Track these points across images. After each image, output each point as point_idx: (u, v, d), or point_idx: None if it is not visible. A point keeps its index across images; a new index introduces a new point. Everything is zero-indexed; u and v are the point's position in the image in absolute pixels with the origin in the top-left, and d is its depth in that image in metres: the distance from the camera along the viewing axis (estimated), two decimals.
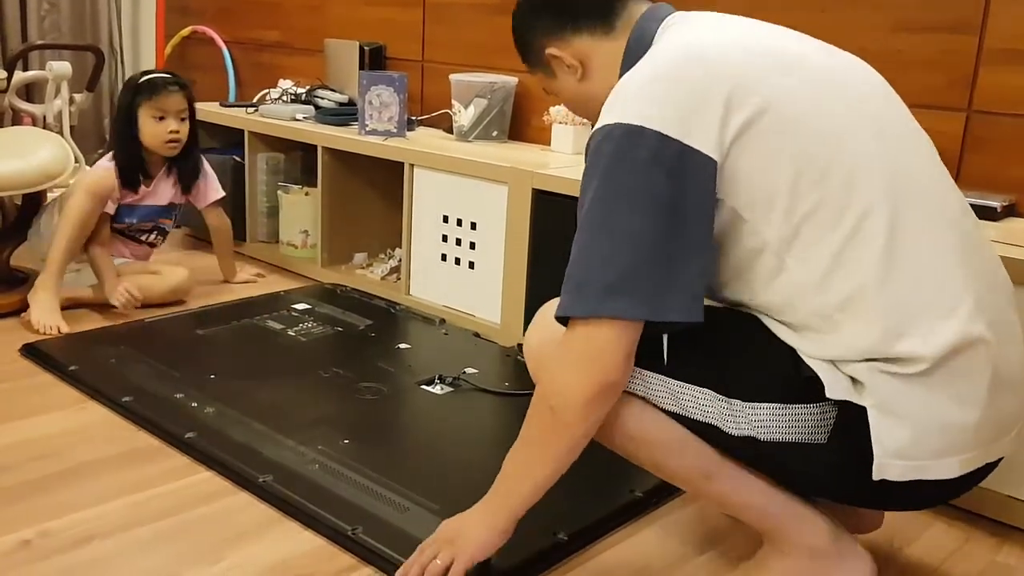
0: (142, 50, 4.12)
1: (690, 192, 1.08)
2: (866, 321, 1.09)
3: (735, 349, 1.18)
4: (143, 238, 2.51)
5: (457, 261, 2.39)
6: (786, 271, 1.12)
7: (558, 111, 2.47)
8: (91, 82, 3.13)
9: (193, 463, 1.62)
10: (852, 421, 1.10)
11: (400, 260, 2.61)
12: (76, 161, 2.86)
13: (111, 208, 2.38)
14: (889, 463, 1.09)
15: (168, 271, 2.47)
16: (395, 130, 2.63)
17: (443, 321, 2.38)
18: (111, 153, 2.42)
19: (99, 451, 1.65)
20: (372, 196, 2.81)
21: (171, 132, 2.37)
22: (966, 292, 1.10)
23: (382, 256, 2.83)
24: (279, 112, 2.90)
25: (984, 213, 1.77)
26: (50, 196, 2.59)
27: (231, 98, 3.61)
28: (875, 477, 1.09)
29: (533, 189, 2.15)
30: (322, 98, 2.94)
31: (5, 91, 2.89)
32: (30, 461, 1.60)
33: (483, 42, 2.79)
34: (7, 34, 3.64)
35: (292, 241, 2.89)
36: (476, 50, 2.80)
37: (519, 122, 2.69)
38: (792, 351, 1.14)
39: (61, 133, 3.00)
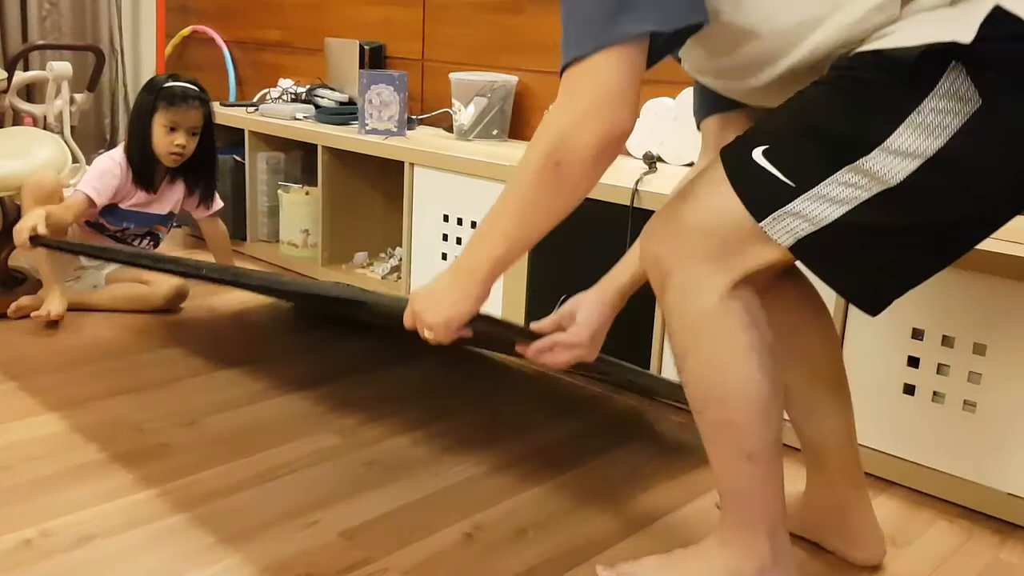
0: (143, 50, 4.12)
1: None
2: None
3: (819, 114, 1.08)
4: (136, 243, 2.51)
5: None
6: None
7: None
8: (92, 82, 3.13)
9: (194, 462, 1.62)
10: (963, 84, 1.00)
11: (401, 259, 2.61)
12: (75, 161, 2.86)
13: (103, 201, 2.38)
14: None
15: (159, 280, 2.42)
16: (395, 129, 2.63)
17: None
18: (112, 153, 2.42)
19: (99, 450, 1.65)
20: (372, 195, 2.81)
21: (177, 145, 2.35)
22: None
23: (383, 255, 2.83)
24: (279, 111, 2.90)
25: None
26: None
27: (231, 97, 3.61)
28: None
29: None
30: (322, 97, 2.94)
31: (6, 91, 2.89)
32: (30, 460, 1.60)
33: (483, 41, 2.78)
34: (7, 34, 3.64)
35: (292, 240, 2.89)
36: (476, 49, 2.80)
37: (519, 121, 2.69)
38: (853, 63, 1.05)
39: (62, 133, 3.00)
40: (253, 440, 1.72)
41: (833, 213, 1.06)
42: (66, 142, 2.90)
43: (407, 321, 1.26)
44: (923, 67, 1.01)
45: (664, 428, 1.87)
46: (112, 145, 3.94)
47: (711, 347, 1.14)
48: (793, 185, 1.08)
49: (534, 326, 1.39)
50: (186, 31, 3.76)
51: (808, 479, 1.42)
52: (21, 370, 1.99)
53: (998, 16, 0.98)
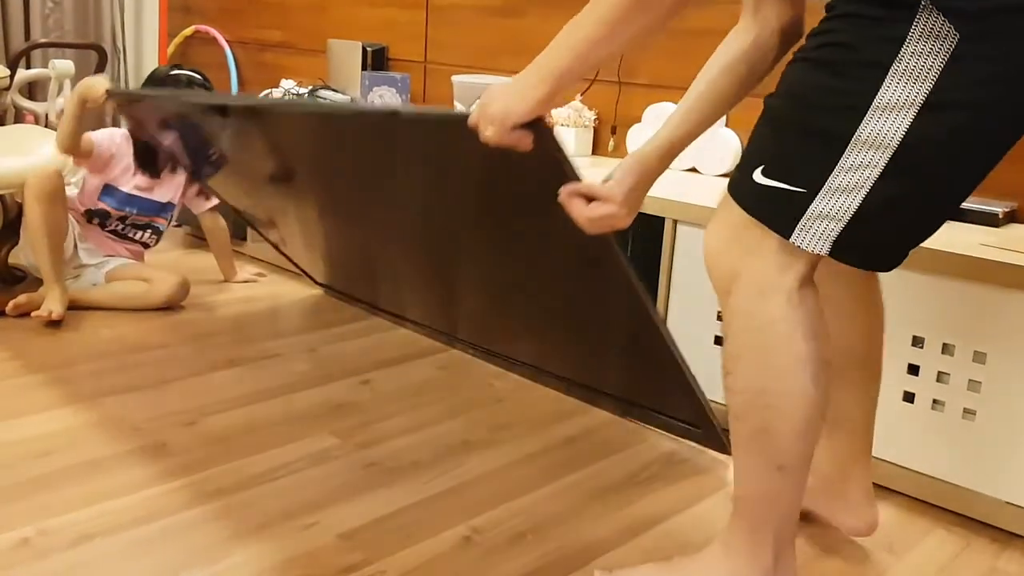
0: (145, 49, 4.12)
1: None
2: None
3: (805, 103, 1.08)
4: (136, 236, 2.51)
5: None
6: None
7: (560, 113, 2.46)
8: None
9: (193, 462, 1.62)
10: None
11: None
12: None
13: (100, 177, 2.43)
14: None
15: (160, 278, 2.44)
16: None
17: None
18: (103, 132, 2.46)
19: (99, 449, 1.65)
20: None
21: None
22: None
23: None
24: None
25: (986, 219, 1.77)
26: None
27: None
28: None
29: None
30: (324, 98, 2.94)
31: (8, 89, 2.90)
32: (29, 459, 1.60)
33: (485, 44, 2.78)
34: (10, 32, 3.64)
35: None
36: (478, 52, 2.80)
37: None
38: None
39: None
40: (252, 441, 1.72)
41: (853, 202, 1.05)
42: None
43: (472, 118, 1.24)
44: (896, 12, 1.00)
45: (661, 435, 1.87)
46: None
47: (769, 352, 1.13)
48: (804, 190, 1.07)
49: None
50: (188, 31, 3.77)
51: None
52: (20, 368, 1.99)
53: None
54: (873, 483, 1.60)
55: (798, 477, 1.18)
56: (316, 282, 2.69)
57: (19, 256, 2.50)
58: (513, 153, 1.23)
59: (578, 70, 1.17)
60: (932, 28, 0.99)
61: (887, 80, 1.01)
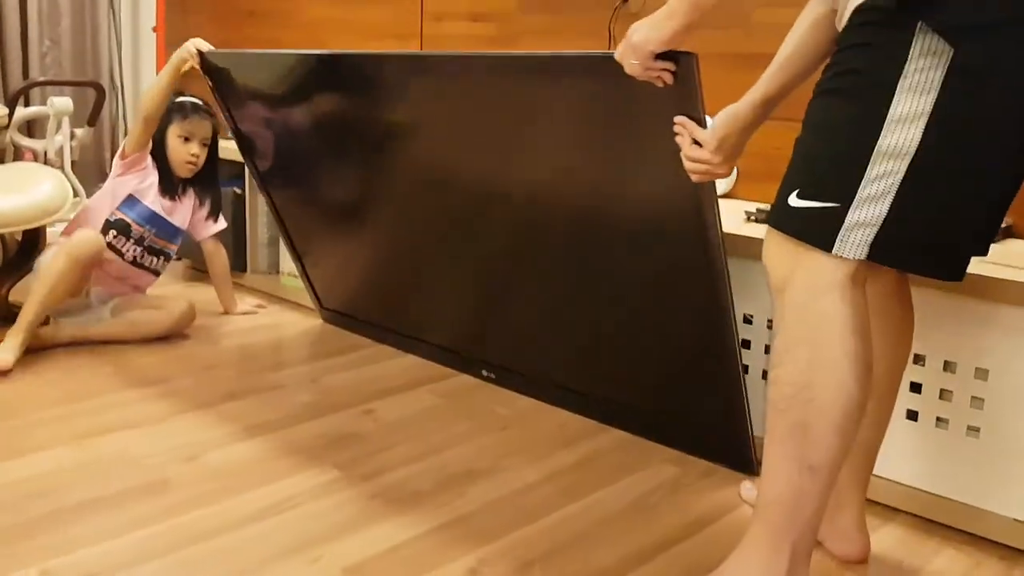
0: (143, 85, 4.14)
1: None
2: None
3: (829, 125, 1.19)
4: (150, 264, 2.51)
5: None
6: None
7: None
8: (92, 117, 3.16)
9: (195, 498, 1.61)
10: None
11: None
12: (76, 195, 2.88)
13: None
14: None
15: (171, 304, 2.48)
16: None
17: None
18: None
19: (102, 487, 1.64)
20: None
21: (192, 155, 2.49)
22: None
23: None
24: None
25: None
26: (51, 231, 2.60)
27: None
28: None
29: None
30: None
31: (6, 127, 2.91)
32: (33, 498, 1.59)
33: None
34: (9, 71, 3.67)
35: (293, 271, 2.89)
36: None
37: None
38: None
39: (62, 168, 3.02)
40: (254, 474, 1.71)
41: (884, 207, 1.14)
42: (66, 176, 2.91)
43: (617, 52, 1.39)
44: (895, 36, 1.12)
45: (666, 460, 1.86)
46: None
47: (819, 345, 1.19)
48: (837, 204, 1.16)
49: None
50: (186, 67, 3.78)
51: None
52: (21, 407, 1.99)
53: None
54: (880, 503, 1.60)
55: (825, 482, 1.21)
56: (322, 307, 2.69)
57: (20, 294, 2.50)
58: (647, 106, 1.44)
59: (702, 5, 1.29)
60: (929, 46, 1.10)
61: (896, 96, 1.12)
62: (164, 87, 2.42)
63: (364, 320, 2.56)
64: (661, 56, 1.37)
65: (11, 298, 2.49)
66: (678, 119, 1.45)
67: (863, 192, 1.15)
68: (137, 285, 2.54)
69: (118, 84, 4.01)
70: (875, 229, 1.15)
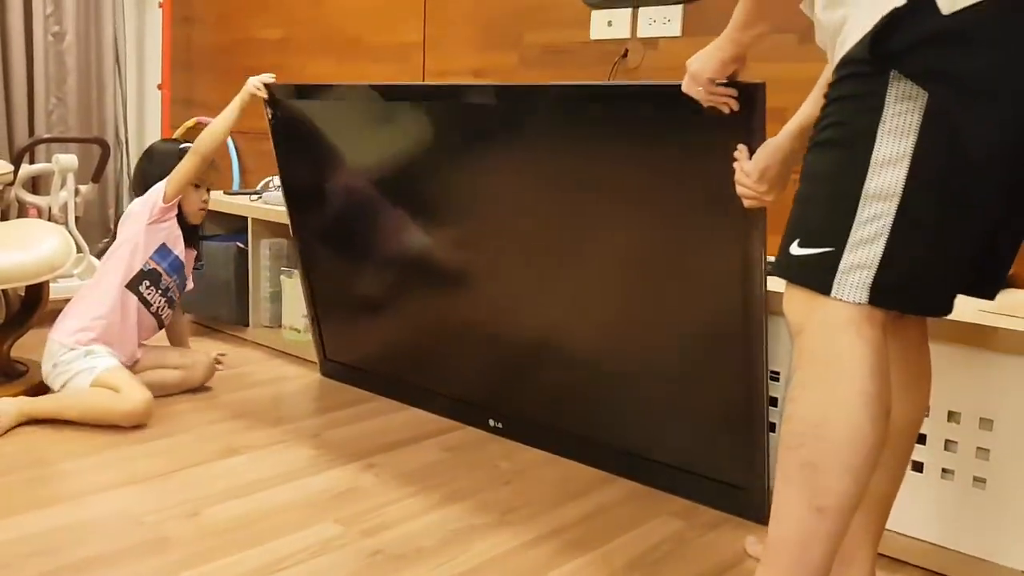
0: (147, 141, 4.19)
1: None
2: None
3: (819, 177, 1.23)
4: (165, 316, 2.47)
5: None
6: None
7: None
8: (97, 173, 3.19)
9: (195, 556, 1.59)
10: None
11: None
12: (79, 251, 2.89)
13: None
14: None
15: (189, 361, 2.47)
16: None
17: None
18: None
19: (101, 546, 1.62)
20: None
21: (204, 201, 2.49)
22: None
23: None
24: (282, 199, 2.93)
25: None
26: (54, 287, 2.60)
27: (235, 186, 3.66)
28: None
29: None
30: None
31: (12, 184, 2.94)
32: (33, 557, 1.57)
33: None
34: (15, 128, 3.72)
35: (295, 325, 2.90)
36: None
37: None
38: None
39: (66, 224, 3.04)
40: (255, 531, 1.69)
41: (878, 248, 1.17)
42: (70, 232, 2.94)
43: (683, 84, 1.53)
44: (873, 86, 1.16)
45: (672, 512, 1.85)
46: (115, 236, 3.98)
47: (834, 384, 1.19)
48: (833, 248, 1.19)
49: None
50: (191, 122, 3.84)
51: None
52: (20, 463, 1.97)
53: (890, 19, 1.13)
54: (886, 555, 1.57)
55: (834, 525, 1.18)
56: (326, 359, 2.68)
57: (22, 348, 2.50)
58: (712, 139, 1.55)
59: (750, 24, 1.39)
60: (904, 91, 1.14)
61: (878, 140, 1.16)
62: (229, 126, 2.39)
63: (370, 371, 2.56)
64: (727, 84, 1.49)
65: (13, 354, 2.50)
66: (739, 147, 1.54)
67: (855, 235, 1.17)
68: (145, 338, 2.51)
69: (123, 140, 4.06)
70: (872, 271, 1.17)
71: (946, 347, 1.57)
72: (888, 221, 1.16)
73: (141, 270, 2.37)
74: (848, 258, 1.18)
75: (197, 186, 2.46)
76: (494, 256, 2.14)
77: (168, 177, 2.40)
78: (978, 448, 1.56)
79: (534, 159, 1.96)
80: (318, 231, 2.56)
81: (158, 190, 2.39)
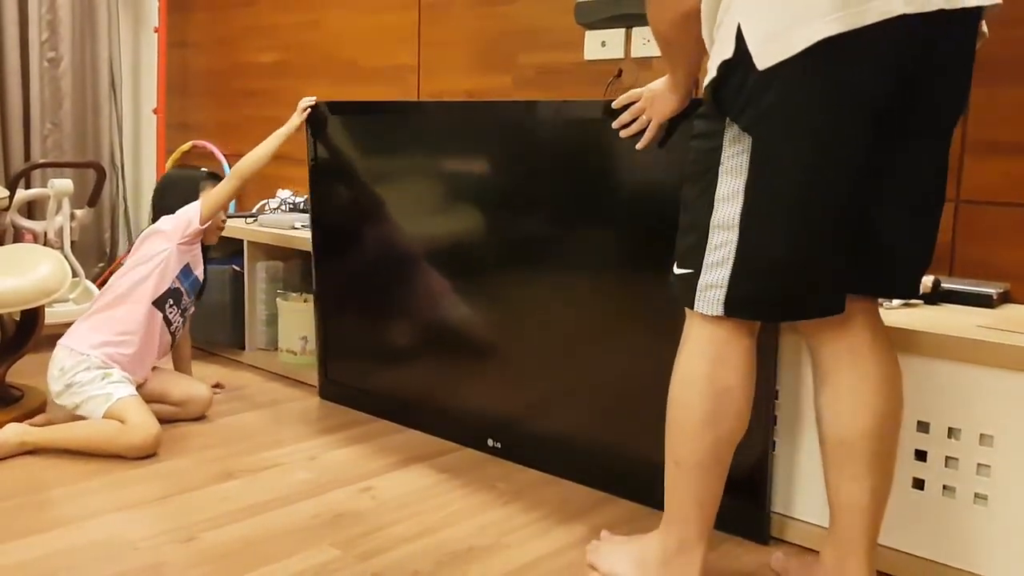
0: (143, 165, 4.20)
1: None
2: None
3: (687, 206, 1.43)
4: (176, 328, 2.46)
5: None
6: None
7: None
8: (92, 198, 3.19)
9: None
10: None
11: None
12: (75, 276, 2.89)
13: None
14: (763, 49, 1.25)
15: (187, 395, 2.43)
16: None
17: None
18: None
19: (97, 571, 1.61)
20: None
21: (223, 220, 2.50)
22: None
23: None
24: (278, 221, 2.94)
25: (981, 301, 1.78)
26: (49, 311, 2.60)
27: (231, 209, 3.66)
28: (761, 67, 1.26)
29: None
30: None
31: (7, 209, 2.94)
32: None
33: None
34: (11, 153, 3.72)
35: (291, 348, 2.89)
36: None
37: None
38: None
39: (61, 249, 3.03)
40: (250, 556, 1.68)
41: (726, 271, 1.36)
42: (66, 257, 2.93)
43: (640, 104, 1.75)
44: (714, 128, 1.35)
45: None
46: (112, 259, 3.99)
47: (677, 367, 1.47)
48: (692, 270, 1.40)
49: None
50: (186, 146, 3.85)
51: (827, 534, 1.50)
52: (14, 489, 1.96)
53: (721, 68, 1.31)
54: (888, 573, 1.57)
55: (690, 476, 1.45)
56: (327, 379, 2.66)
57: (17, 374, 2.49)
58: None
59: (667, 55, 1.57)
60: (735, 135, 1.32)
61: (720, 179, 1.35)
62: (271, 153, 2.40)
63: (370, 391, 2.54)
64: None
65: (8, 379, 2.48)
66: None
67: (708, 259, 1.37)
68: (158, 358, 2.47)
69: (119, 165, 4.06)
70: (723, 290, 1.36)
71: (946, 363, 1.56)
72: (732, 248, 1.34)
73: (168, 288, 2.37)
74: (704, 279, 1.38)
75: None
76: (494, 278, 2.14)
77: (203, 199, 2.40)
78: (979, 464, 1.55)
79: (545, 182, 2.00)
80: (334, 249, 2.56)
81: (192, 211, 2.39)
